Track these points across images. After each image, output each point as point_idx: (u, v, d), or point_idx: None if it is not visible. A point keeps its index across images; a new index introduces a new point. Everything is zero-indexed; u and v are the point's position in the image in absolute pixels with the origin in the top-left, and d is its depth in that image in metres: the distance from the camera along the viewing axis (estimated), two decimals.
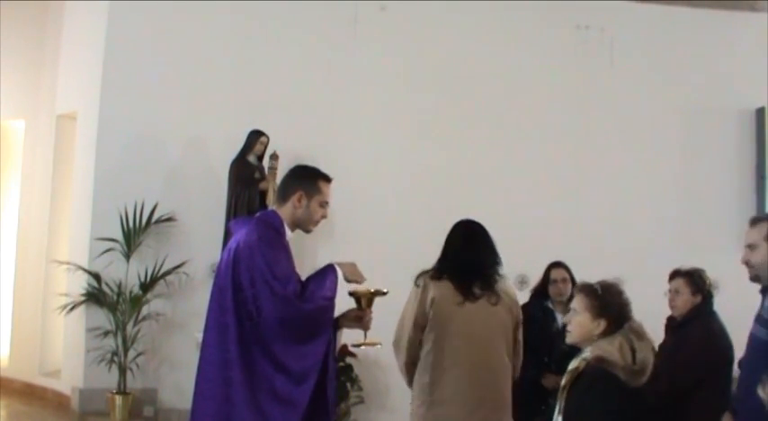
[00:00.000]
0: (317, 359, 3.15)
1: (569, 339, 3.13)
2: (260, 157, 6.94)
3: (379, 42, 7.43)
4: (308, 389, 3.12)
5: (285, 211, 3.34)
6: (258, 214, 3.48)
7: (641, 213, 7.72)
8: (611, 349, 2.90)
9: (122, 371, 6.55)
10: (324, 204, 3.36)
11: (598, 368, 2.90)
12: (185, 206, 6.95)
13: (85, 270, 6.76)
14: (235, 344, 3.12)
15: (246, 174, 6.79)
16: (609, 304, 3.02)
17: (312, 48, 7.31)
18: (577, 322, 3.05)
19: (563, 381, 3.02)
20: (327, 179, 3.40)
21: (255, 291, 3.10)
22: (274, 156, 6.90)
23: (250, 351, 3.11)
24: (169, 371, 6.89)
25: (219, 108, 7.09)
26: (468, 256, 3.87)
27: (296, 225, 3.36)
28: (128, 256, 6.72)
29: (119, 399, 6.51)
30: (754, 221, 3.47)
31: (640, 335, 2.97)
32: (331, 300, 3.18)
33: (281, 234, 3.30)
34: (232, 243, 3.27)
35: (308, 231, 3.43)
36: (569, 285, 5.05)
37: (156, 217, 6.78)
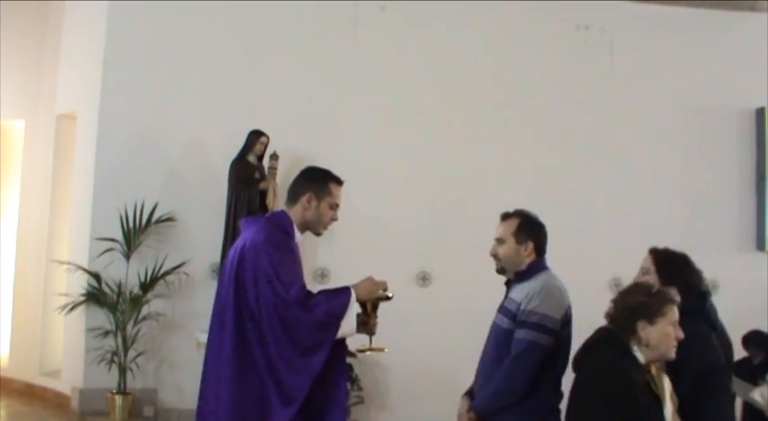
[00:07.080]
0: (310, 376, 3.05)
1: None
2: (260, 157, 6.94)
3: (379, 42, 7.42)
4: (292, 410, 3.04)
5: (295, 213, 3.32)
6: (268, 214, 3.46)
7: (641, 213, 7.70)
8: None
9: (122, 371, 6.55)
10: (334, 206, 3.35)
11: None
12: (185, 206, 6.95)
13: (85, 270, 6.75)
14: (230, 342, 3.10)
15: (246, 174, 6.79)
16: None
17: (312, 48, 7.31)
18: None
19: None
20: (338, 181, 3.38)
21: (258, 292, 3.08)
22: (274, 156, 6.89)
23: (249, 351, 3.08)
24: (169, 372, 6.89)
25: (219, 108, 7.09)
26: None
27: (305, 227, 3.35)
28: (128, 256, 6.72)
29: (119, 399, 6.51)
30: (505, 216, 3.61)
31: None
32: (335, 318, 3.09)
33: (290, 235, 3.28)
34: (239, 242, 3.26)
35: (317, 234, 3.41)
36: None
37: (156, 217, 6.78)
